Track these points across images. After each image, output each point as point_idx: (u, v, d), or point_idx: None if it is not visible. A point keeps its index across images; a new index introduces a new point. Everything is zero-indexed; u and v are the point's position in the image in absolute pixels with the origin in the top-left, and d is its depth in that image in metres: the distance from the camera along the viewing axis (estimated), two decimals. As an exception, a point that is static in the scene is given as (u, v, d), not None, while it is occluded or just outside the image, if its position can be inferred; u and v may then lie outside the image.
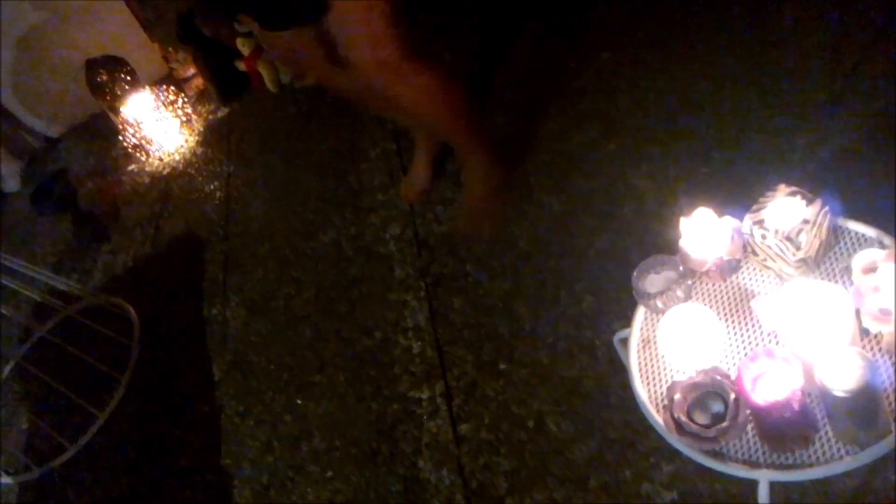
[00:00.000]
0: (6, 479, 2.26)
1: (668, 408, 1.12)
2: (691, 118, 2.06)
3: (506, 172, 2.13)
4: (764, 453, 1.08)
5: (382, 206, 2.38)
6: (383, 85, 1.79)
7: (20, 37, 3.49)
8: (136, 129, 3.20)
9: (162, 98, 3.25)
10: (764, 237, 1.20)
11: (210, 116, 3.38)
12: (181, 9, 3.24)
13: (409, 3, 1.73)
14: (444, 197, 2.27)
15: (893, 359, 1.06)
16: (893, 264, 1.06)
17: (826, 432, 1.05)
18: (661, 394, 1.21)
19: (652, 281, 1.30)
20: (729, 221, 1.28)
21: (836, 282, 1.20)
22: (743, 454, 1.09)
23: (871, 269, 1.09)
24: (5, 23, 3.41)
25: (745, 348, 1.20)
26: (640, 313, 1.34)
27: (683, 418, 1.10)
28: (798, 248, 1.17)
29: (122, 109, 3.17)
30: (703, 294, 1.31)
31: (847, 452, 1.02)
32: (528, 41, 2.65)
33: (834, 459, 1.03)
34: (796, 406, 1.02)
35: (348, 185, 2.54)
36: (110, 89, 3.12)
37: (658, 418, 1.18)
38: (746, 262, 1.30)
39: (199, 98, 3.54)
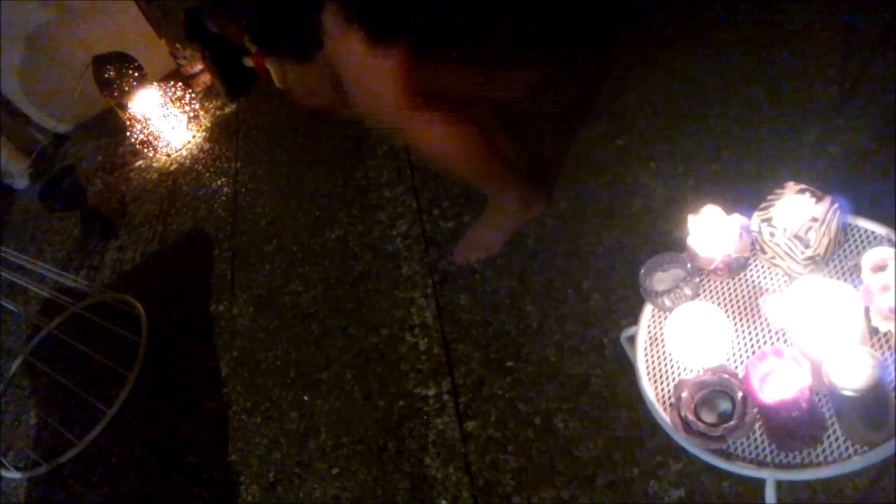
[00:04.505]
0: (15, 475, 2.27)
1: (676, 406, 1.12)
2: (700, 115, 2.06)
3: (542, 204, 2.04)
4: (771, 452, 1.07)
5: (389, 203, 2.38)
6: (391, 130, 1.65)
7: (28, 34, 3.50)
8: (144, 125, 3.21)
9: (169, 94, 3.25)
10: (772, 235, 1.20)
11: (217, 113, 3.38)
12: (188, 5, 3.24)
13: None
14: (451, 192, 2.27)
15: (903, 358, 1.06)
16: (903, 263, 1.05)
17: (834, 431, 1.05)
18: (669, 392, 1.21)
19: (659, 279, 1.30)
20: (737, 219, 1.27)
21: (846, 280, 1.19)
22: (750, 453, 1.09)
23: (880, 268, 1.09)
24: (14, 20, 3.42)
25: (752, 347, 1.19)
26: (648, 311, 1.34)
27: (691, 417, 1.09)
28: (807, 247, 1.16)
29: (129, 106, 3.18)
30: (710, 292, 1.31)
31: (855, 452, 1.02)
32: (535, 37, 2.64)
33: (842, 459, 1.02)
34: (804, 405, 1.01)
35: (355, 181, 2.54)
36: (118, 86, 3.12)
37: (665, 417, 1.17)
38: (755, 260, 1.30)
39: (207, 94, 3.55)
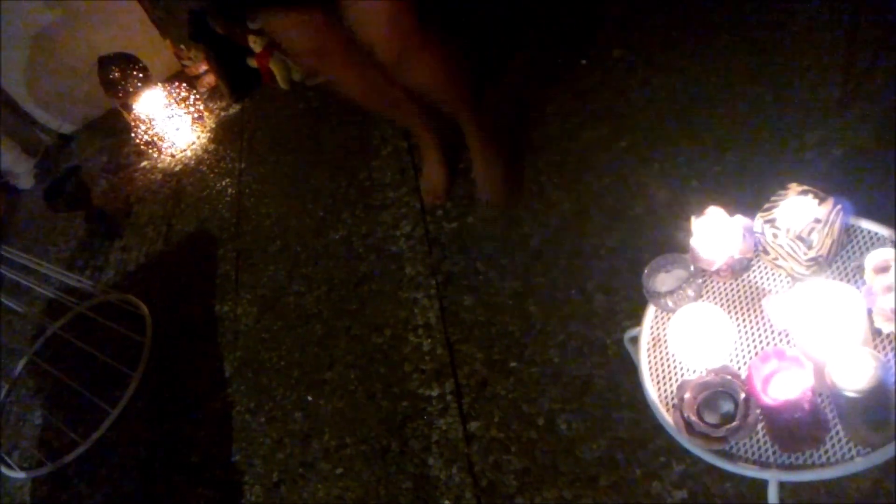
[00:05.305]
0: (19, 474, 2.28)
1: (678, 407, 1.12)
2: (703, 117, 2.06)
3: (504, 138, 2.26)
4: (774, 453, 1.07)
5: (393, 203, 2.38)
6: (400, 55, 1.83)
7: (33, 35, 3.51)
8: (148, 126, 3.22)
9: (174, 95, 3.26)
10: (775, 236, 1.20)
11: (222, 113, 3.39)
12: (193, 6, 3.25)
13: None
14: (455, 194, 2.27)
15: (905, 359, 1.06)
16: (906, 264, 1.05)
17: (837, 433, 1.05)
18: (671, 393, 1.21)
19: (662, 280, 1.30)
20: (740, 220, 1.27)
21: (848, 281, 1.19)
22: (753, 454, 1.09)
23: (883, 269, 1.09)
24: (19, 21, 3.43)
25: (755, 348, 1.20)
26: (651, 312, 1.34)
27: (693, 418, 1.10)
28: (810, 248, 1.16)
29: (134, 106, 3.19)
30: (713, 293, 1.31)
31: (858, 453, 1.02)
32: (539, 39, 2.64)
33: (845, 460, 1.02)
34: (807, 406, 1.01)
35: (359, 182, 2.54)
36: (123, 86, 3.13)
37: (668, 418, 1.18)
38: (758, 262, 1.30)
39: (211, 95, 3.56)
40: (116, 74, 3.11)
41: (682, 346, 1.19)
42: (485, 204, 2.21)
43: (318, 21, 1.83)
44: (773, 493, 1.08)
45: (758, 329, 1.22)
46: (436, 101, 2.09)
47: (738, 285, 1.29)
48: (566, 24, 2.62)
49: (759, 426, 1.09)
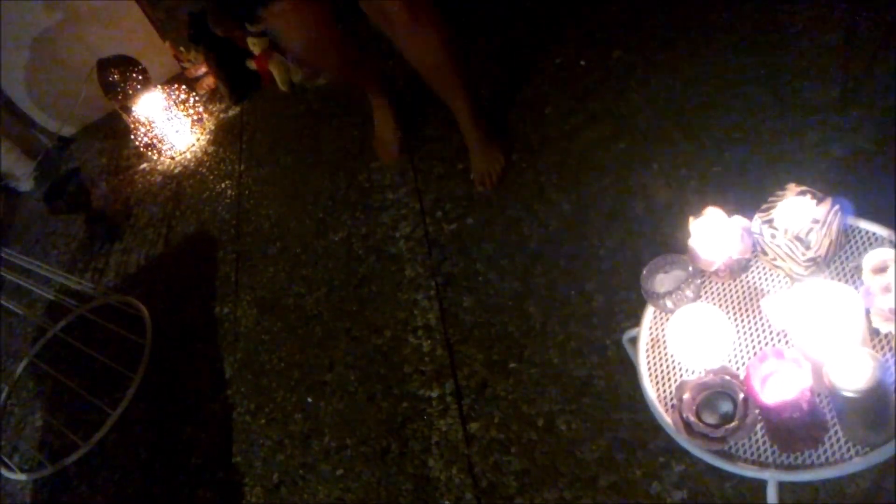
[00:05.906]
0: (20, 476, 2.28)
1: (677, 408, 1.12)
2: (703, 117, 2.06)
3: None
4: (773, 453, 1.07)
5: (393, 205, 2.39)
6: (411, 25, 1.99)
7: (33, 37, 3.51)
8: (148, 128, 3.22)
9: (173, 97, 3.26)
10: (774, 237, 1.20)
11: (221, 116, 3.39)
12: (193, 9, 3.25)
13: None
14: (455, 195, 2.27)
15: (904, 359, 1.06)
16: (904, 264, 1.05)
17: (835, 433, 1.05)
18: (671, 393, 1.21)
19: (661, 280, 1.30)
20: (739, 221, 1.27)
21: (847, 281, 1.19)
22: (752, 454, 1.09)
23: (881, 269, 1.09)
24: (18, 23, 3.44)
25: (754, 348, 1.20)
26: (650, 313, 1.34)
27: (692, 418, 1.10)
28: (808, 248, 1.17)
29: (133, 109, 3.19)
30: (712, 294, 1.31)
31: (857, 453, 1.02)
32: (538, 39, 2.64)
33: (843, 460, 1.02)
34: (805, 406, 1.01)
35: (359, 184, 2.54)
36: (122, 89, 3.13)
37: (667, 418, 1.18)
38: (756, 262, 1.30)
39: (211, 97, 3.56)
40: (116, 77, 3.11)
41: (680, 346, 1.19)
42: (480, 192, 2.26)
43: (315, 9, 2.02)
44: (771, 493, 1.08)
45: (756, 329, 1.22)
46: (432, 83, 2.19)
47: (736, 286, 1.30)
48: (566, 25, 2.62)
49: (758, 426, 1.09)
